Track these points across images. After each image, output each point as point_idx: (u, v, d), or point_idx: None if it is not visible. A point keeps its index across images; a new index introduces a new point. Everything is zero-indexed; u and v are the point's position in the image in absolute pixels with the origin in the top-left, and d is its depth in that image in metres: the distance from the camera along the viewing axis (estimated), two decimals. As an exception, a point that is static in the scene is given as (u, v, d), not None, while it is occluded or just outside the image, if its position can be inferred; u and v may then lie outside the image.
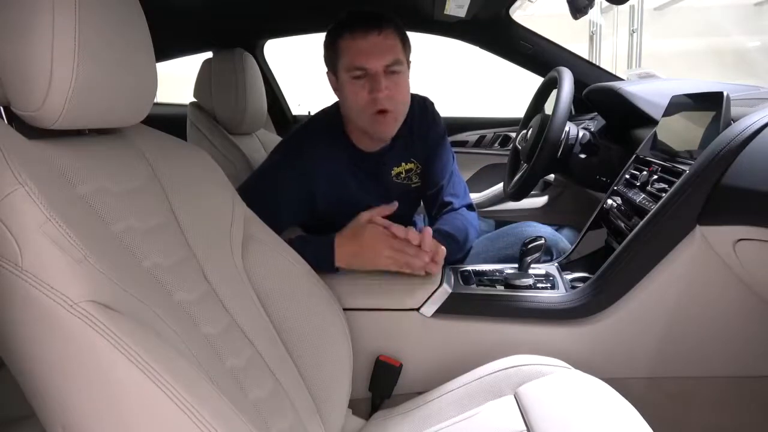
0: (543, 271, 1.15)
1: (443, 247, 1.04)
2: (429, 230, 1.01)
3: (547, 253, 1.30)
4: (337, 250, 1.01)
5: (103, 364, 0.50)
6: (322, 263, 0.99)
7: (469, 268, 1.15)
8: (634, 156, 1.30)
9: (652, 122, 1.30)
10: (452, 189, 1.28)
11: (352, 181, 1.18)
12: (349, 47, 1.08)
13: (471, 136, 2.27)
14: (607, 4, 3.47)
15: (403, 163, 1.25)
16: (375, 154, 1.21)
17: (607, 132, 1.56)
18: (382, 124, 1.11)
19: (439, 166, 1.27)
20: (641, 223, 0.99)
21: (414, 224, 1.45)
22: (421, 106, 1.28)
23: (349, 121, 1.17)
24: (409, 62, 1.16)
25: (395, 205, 1.06)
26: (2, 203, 0.50)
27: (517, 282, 1.06)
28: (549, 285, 1.10)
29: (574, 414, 0.76)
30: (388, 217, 1.26)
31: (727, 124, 0.95)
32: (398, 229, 1.01)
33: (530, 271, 1.08)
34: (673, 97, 1.22)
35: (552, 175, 2.04)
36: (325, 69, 1.17)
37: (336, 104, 1.20)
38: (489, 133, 2.26)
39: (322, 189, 1.14)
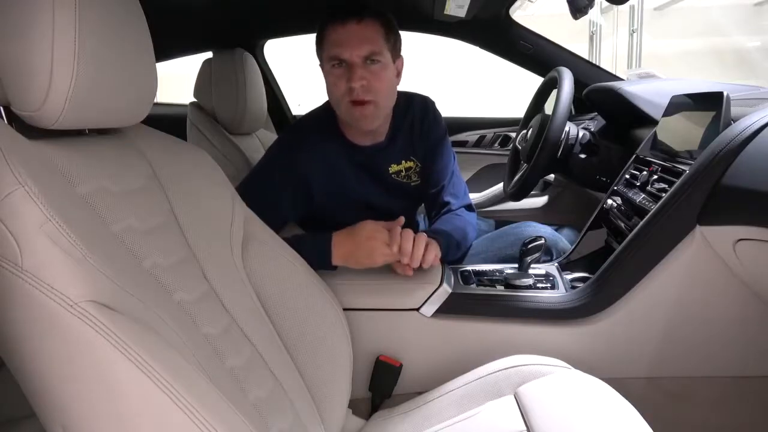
0: (543, 271, 1.16)
1: (435, 253, 1.03)
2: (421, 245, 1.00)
3: (547, 253, 1.30)
4: (334, 248, 1.01)
5: (103, 363, 0.50)
6: (320, 261, 0.99)
7: (469, 268, 1.15)
8: (634, 156, 1.30)
9: (652, 122, 1.30)
10: (452, 189, 1.27)
11: (348, 175, 1.18)
12: (329, 37, 1.09)
13: (471, 136, 2.27)
14: (607, 4, 3.47)
15: (402, 161, 1.25)
16: (368, 148, 1.21)
17: (607, 132, 1.56)
18: (360, 113, 1.11)
19: (440, 166, 1.27)
20: (641, 223, 0.99)
21: (417, 224, 1.45)
22: (423, 105, 1.28)
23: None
24: (396, 56, 1.15)
25: (401, 220, 1.05)
26: (2, 203, 0.50)
27: (517, 282, 1.06)
28: (549, 285, 1.10)
29: (574, 414, 0.76)
30: (385, 211, 1.26)
31: (727, 124, 0.95)
32: (395, 230, 1.01)
33: (530, 271, 1.08)
34: (673, 97, 1.22)
35: (552, 175, 2.04)
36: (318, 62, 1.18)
37: (329, 101, 1.21)
38: (489, 133, 2.26)
39: (318, 183, 1.14)
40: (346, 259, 1.01)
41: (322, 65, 1.15)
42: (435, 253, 1.02)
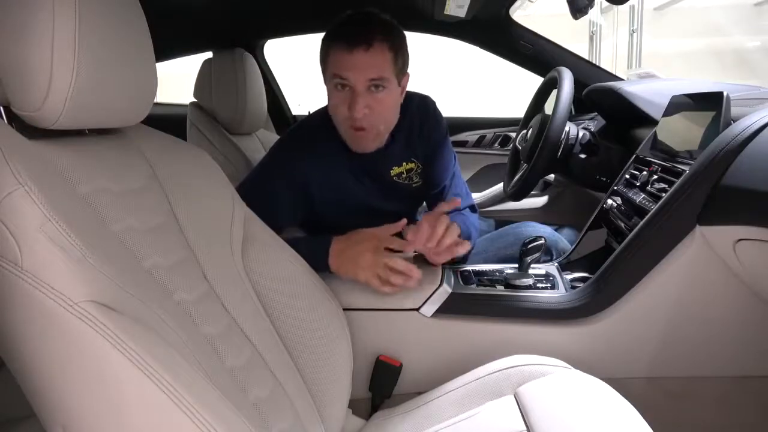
0: (543, 271, 1.15)
1: (451, 231, 0.98)
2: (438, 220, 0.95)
3: (547, 253, 1.30)
4: (332, 251, 1.01)
5: (103, 363, 0.50)
6: (318, 263, 0.98)
7: (469, 268, 1.15)
8: (634, 156, 1.30)
9: (652, 122, 1.30)
10: (455, 190, 1.27)
11: (349, 181, 1.18)
12: (334, 57, 1.05)
13: (471, 136, 2.27)
14: (607, 4, 3.47)
15: (404, 163, 1.25)
16: (370, 154, 1.20)
17: (607, 132, 1.56)
18: (359, 139, 1.10)
19: (441, 167, 1.26)
20: (641, 223, 0.99)
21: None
22: (422, 105, 1.26)
23: None
24: (402, 75, 1.12)
25: (403, 222, 1.02)
26: (2, 203, 0.50)
27: (517, 282, 1.06)
28: (549, 285, 1.10)
29: (574, 414, 0.76)
30: (387, 214, 1.26)
31: (727, 124, 0.95)
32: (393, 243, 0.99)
33: (530, 271, 1.08)
34: (673, 97, 1.22)
35: (552, 175, 2.04)
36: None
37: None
38: (489, 133, 2.26)
39: (317, 188, 1.14)
40: (338, 264, 1.01)
41: (324, 78, 1.11)
42: (455, 235, 0.98)
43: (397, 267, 0.97)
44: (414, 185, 1.28)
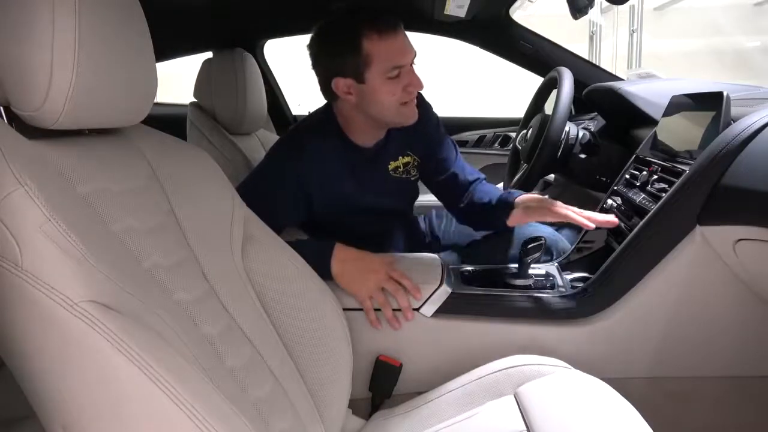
0: (543, 271, 1.15)
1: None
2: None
3: (547, 253, 1.30)
4: (334, 258, 1.01)
5: (103, 364, 0.50)
6: (319, 268, 0.98)
7: (469, 268, 1.15)
8: (634, 156, 1.30)
9: (652, 122, 1.30)
10: (469, 168, 1.31)
11: (349, 179, 1.18)
12: (383, 49, 1.06)
13: (471, 136, 2.27)
14: (607, 4, 3.47)
15: (400, 157, 1.26)
16: (372, 148, 1.21)
17: (607, 132, 1.56)
18: (413, 109, 1.14)
19: (444, 152, 1.29)
20: (641, 223, 0.99)
21: (415, 223, 1.45)
22: None
23: (353, 118, 1.15)
24: None
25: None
26: (2, 203, 0.50)
27: (517, 282, 1.06)
28: (549, 285, 1.10)
29: (574, 414, 0.76)
30: (385, 211, 1.26)
31: (727, 124, 0.95)
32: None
33: (530, 271, 1.08)
34: (673, 97, 1.22)
35: (552, 175, 2.04)
36: (330, 75, 1.10)
37: (328, 104, 1.20)
38: (489, 133, 2.26)
39: (317, 188, 1.14)
40: (341, 271, 1.02)
41: (358, 78, 1.08)
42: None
43: (402, 282, 1.01)
44: (412, 178, 1.29)
